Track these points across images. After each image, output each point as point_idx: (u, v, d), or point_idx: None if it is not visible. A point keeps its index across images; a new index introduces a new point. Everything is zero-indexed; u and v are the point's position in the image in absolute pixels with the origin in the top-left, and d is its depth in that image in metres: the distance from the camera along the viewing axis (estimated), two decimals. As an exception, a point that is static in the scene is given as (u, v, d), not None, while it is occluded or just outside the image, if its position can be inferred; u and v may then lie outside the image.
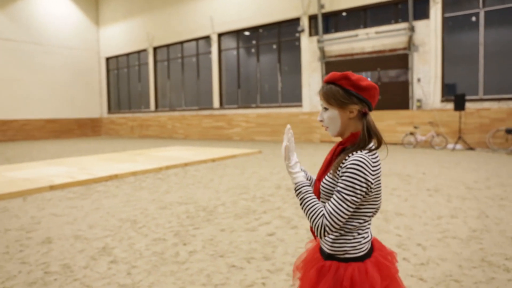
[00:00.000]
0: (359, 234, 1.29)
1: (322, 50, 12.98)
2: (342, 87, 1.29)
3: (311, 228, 1.29)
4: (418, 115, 11.35)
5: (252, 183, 6.05)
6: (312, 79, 13.49)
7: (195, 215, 4.28)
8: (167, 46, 18.43)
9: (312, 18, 13.48)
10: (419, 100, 11.40)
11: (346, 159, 1.25)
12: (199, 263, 2.89)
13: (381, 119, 11.97)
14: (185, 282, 2.57)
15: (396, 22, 11.88)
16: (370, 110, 1.31)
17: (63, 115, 19.92)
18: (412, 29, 11.23)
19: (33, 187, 5.68)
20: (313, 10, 13.16)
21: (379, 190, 1.28)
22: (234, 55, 16.13)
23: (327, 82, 1.33)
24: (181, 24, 17.44)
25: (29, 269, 2.87)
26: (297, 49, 13.97)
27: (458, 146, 10.27)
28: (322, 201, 1.32)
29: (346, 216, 1.21)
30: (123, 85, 21.10)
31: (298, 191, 1.29)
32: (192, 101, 17.73)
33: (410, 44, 11.38)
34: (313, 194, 1.27)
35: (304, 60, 13.65)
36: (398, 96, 11.91)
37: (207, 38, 16.71)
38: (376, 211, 1.32)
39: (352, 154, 1.24)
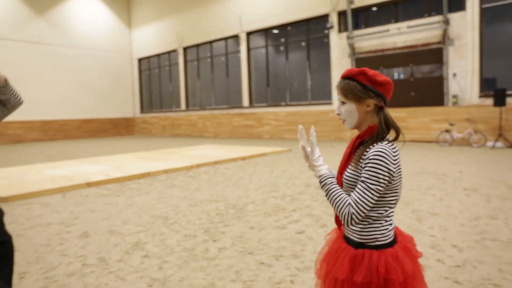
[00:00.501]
0: (386, 221, 1.33)
1: (352, 46, 12.75)
2: (359, 82, 1.35)
3: (336, 218, 1.37)
4: (454, 112, 10.92)
5: (282, 181, 6.05)
6: (342, 76, 13.29)
7: (225, 212, 4.34)
8: (197, 46, 18.70)
9: (341, 14, 13.26)
10: (455, 96, 10.97)
11: (367, 151, 1.31)
12: (228, 259, 2.93)
13: (414, 116, 11.62)
14: (214, 277, 2.62)
15: (429, 15, 11.47)
16: (385, 104, 1.38)
17: (99, 115, 20.67)
18: (446, 22, 10.81)
19: (71, 184, 5.94)
20: (342, 6, 12.94)
21: (400, 179, 1.34)
22: (263, 53, 16.15)
23: (345, 78, 1.39)
24: (210, 24, 17.65)
25: (69, 261, 3.02)
26: (326, 46, 13.80)
27: (499, 143, 9.80)
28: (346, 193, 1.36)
29: (371, 205, 1.27)
30: (154, 85, 21.62)
31: (323, 183, 1.34)
32: (222, 100, 17.91)
33: (445, 38, 10.97)
34: (337, 185, 1.33)
35: (333, 57, 13.46)
36: (432, 92, 11.51)
37: (235, 37, 16.81)
38: (397, 200, 1.36)
39: (373, 146, 1.30)
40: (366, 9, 12.73)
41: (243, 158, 9.03)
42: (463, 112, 10.76)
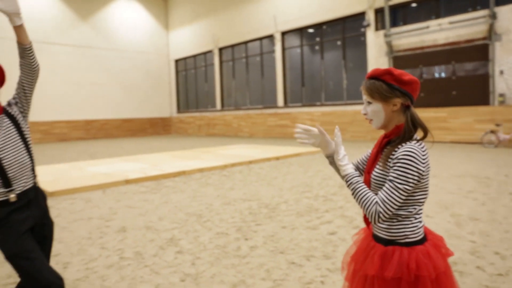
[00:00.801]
0: (415, 219, 1.34)
1: (389, 44, 12.41)
2: (385, 81, 1.35)
3: (365, 216, 1.38)
4: (501, 112, 10.35)
5: (316, 182, 6.00)
6: (379, 75, 12.95)
7: (257, 211, 4.36)
8: (232, 46, 18.91)
9: (378, 12, 12.93)
10: (501, 95, 10.39)
11: (395, 151, 1.31)
12: (259, 258, 2.95)
13: (456, 116, 11.12)
14: (245, 275, 2.65)
15: (474, 9, 10.93)
16: (412, 103, 1.37)
17: (137, 115, 21.41)
18: (493, 16, 10.26)
19: (111, 181, 6.20)
20: (379, 3, 12.62)
21: (428, 179, 1.34)
22: (297, 53, 16.06)
23: (370, 77, 1.39)
24: (245, 24, 17.79)
25: (107, 253, 3.16)
26: (363, 44, 13.51)
27: (549, 145, 9.19)
28: (373, 192, 1.37)
29: (398, 204, 1.27)
30: (191, 86, 22.09)
31: (349, 182, 1.34)
32: (257, 100, 17.99)
33: (491, 33, 10.41)
34: (364, 184, 1.33)
35: (370, 55, 13.16)
36: (476, 91, 10.96)
37: (270, 37, 16.84)
38: (426, 198, 1.36)
39: (401, 146, 1.31)
40: (405, 5, 12.34)
41: (277, 158, 9.03)
42: (510, 112, 10.17)
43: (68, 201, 5.17)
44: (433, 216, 3.89)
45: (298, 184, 5.86)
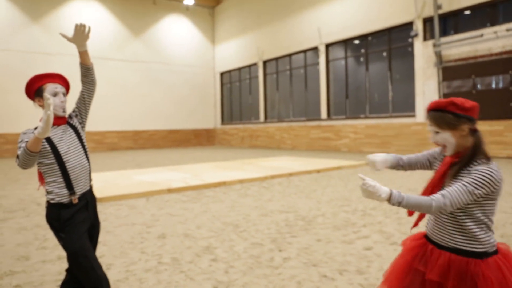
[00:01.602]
0: (482, 229, 1.42)
1: (438, 54, 11.94)
2: (451, 112, 1.50)
3: (420, 215, 1.60)
4: None
5: (355, 196, 5.87)
6: (426, 86, 12.48)
7: (293, 223, 4.36)
8: (276, 59, 19.11)
9: (427, 21, 12.52)
10: None
11: (468, 170, 1.43)
12: (292, 269, 2.95)
13: (513, 130, 10.40)
14: (276, 286, 2.66)
15: (534, 17, 10.26)
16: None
17: (183, 126, 22.16)
18: (554, 24, 9.57)
19: (154, 189, 6.47)
20: (429, 12, 12.22)
21: (498, 197, 1.44)
22: (342, 64, 15.90)
23: (434, 110, 1.55)
24: (289, 37, 17.94)
25: (147, 258, 3.31)
26: (410, 55, 13.11)
27: None
28: None
29: (461, 202, 1.36)
30: (235, 98, 22.54)
31: (401, 198, 1.40)
32: (300, 112, 17.98)
33: (552, 42, 9.70)
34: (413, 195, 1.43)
35: (417, 66, 12.73)
36: (536, 103, 10.21)
37: (315, 49, 16.83)
38: (494, 210, 1.45)
39: (474, 165, 1.43)
40: (456, 13, 11.85)
41: (318, 171, 8.95)
42: None
43: (114, 207, 5.46)
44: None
45: (337, 198, 5.77)
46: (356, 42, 15.29)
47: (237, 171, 8.77)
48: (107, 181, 7.64)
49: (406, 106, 13.36)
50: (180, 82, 22.08)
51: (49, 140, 2.01)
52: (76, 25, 2.07)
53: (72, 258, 2.01)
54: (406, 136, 12.95)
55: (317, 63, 16.70)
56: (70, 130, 2.13)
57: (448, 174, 1.48)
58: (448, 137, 1.50)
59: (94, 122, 18.65)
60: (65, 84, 2.16)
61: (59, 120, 2.09)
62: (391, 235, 3.75)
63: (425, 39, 12.58)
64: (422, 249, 1.56)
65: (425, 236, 1.63)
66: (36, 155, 1.87)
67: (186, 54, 22.38)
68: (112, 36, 19.60)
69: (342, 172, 8.68)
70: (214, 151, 17.37)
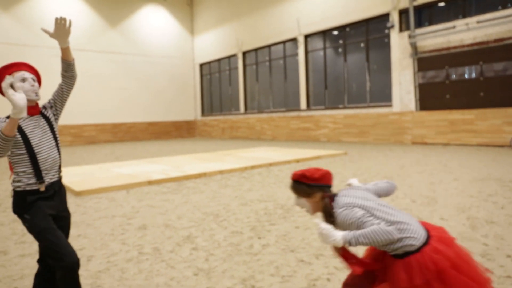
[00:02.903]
0: (406, 237, 1.55)
1: (414, 45, 12.23)
2: (304, 183, 1.73)
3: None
4: (530, 113, 9.99)
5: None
6: (403, 77, 12.78)
7: (272, 212, 4.46)
8: (255, 50, 19.11)
9: (403, 13, 12.77)
10: (531, 96, 10.03)
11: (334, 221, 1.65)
12: (270, 255, 3.05)
13: (484, 118, 10.82)
14: (255, 271, 2.76)
15: (504, 7, 10.61)
16: (330, 187, 1.76)
17: (162, 118, 21.96)
18: (522, 16, 9.94)
19: (134, 181, 6.46)
20: (404, 3, 12.46)
21: (388, 207, 1.64)
22: (321, 55, 16.06)
23: (293, 180, 1.78)
24: (268, 28, 17.94)
25: (128, 248, 3.35)
26: (387, 46, 13.37)
27: None
28: None
29: (379, 221, 1.56)
30: (215, 89, 22.45)
31: (355, 239, 1.52)
32: (280, 103, 18.09)
33: (520, 33, 10.08)
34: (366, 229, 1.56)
35: (394, 57, 13.00)
36: (506, 92, 10.62)
37: (293, 40, 16.91)
38: (398, 221, 1.59)
39: (334, 217, 1.65)
40: (431, 5, 12.14)
41: (298, 161, 9.09)
42: (541, 113, 9.81)
43: (94, 200, 5.44)
44: (447, 219, 3.87)
45: (316, 186, 5.91)
46: (335, 33, 15.45)
47: (217, 162, 8.82)
48: (86, 174, 7.57)
49: (383, 96, 13.66)
50: (159, 73, 21.80)
51: (21, 130, 2.02)
52: (56, 19, 2.06)
53: (40, 236, 2.02)
54: (383, 126, 13.26)
55: (296, 54, 16.80)
56: (43, 121, 2.12)
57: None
58: (305, 202, 1.75)
59: (72, 115, 18.25)
60: (33, 71, 2.15)
61: (32, 110, 2.09)
62: (366, 221, 3.90)
63: (401, 30, 12.84)
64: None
65: None
66: (12, 140, 1.87)
67: (165, 45, 22.07)
68: (87, 27, 19.11)
69: (321, 162, 8.85)
70: (194, 143, 17.32)
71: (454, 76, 11.66)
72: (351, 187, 1.82)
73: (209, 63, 22.54)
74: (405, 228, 1.55)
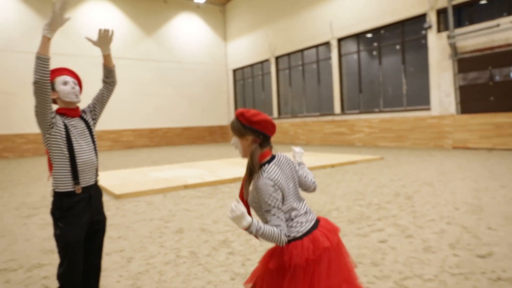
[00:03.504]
0: (292, 221, 1.64)
1: (453, 46, 11.75)
2: (240, 121, 1.69)
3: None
4: None
5: (370, 190, 5.89)
6: (442, 79, 12.31)
7: (308, 217, 4.40)
8: (288, 54, 19.08)
9: (441, 12, 12.32)
10: None
11: (253, 182, 1.65)
12: (307, 262, 3.01)
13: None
14: (292, 277, 2.72)
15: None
16: (268, 138, 1.71)
17: (197, 123, 22.37)
18: None
19: (171, 185, 6.60)
20: (442, 3, 12.02)
21: (288, 188, 1.67)
22: (354, 59, 15.79)
23: (235, 116, 1.72)
24: (301, 32, 17.88)
25: (165, 251, 3.41)
26: (424, 47, 12.94)
27: None
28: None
29: (284, 220, 1.59)
30: (248, 94, 22.61)
31: (259, 228, 1.54)
32: (314, 107, 17.93)
33: None
34: (266, 225, 1.57)
35: (432, 59, 12.55)
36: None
37: (326, 44, 16.75)
38: (291, 205, 1.66)
39: (256, 178, 1.65)
40: (471, 4, 11.64)
41: (333, 166, 8.95)
42: None
43: (132, 203, 5.61)
44: (495, 229, 3.66)
45: (351, 192, 5.80)
46: (369, 35, 15.15)
47: (251, 167, 8.83)
48: (124, 178, 7.82)
49: (421, 99, 13.21)
50: (193, 79, 22.27)
51: (66, 128, 2.07)
52: (100, 30, 2.16)
53: (64, 249, 2.05)
54: (422, 130, 12.81)
55: (330, 58, 16.62)
56: (83, 125, 2.18)
57: (244, 188, 1.69)
58: (237, 142, 1.71)
59: (111, 121, 18.98)
60: (75, 76, 2.23)
61: (73, 112, 2.15)
62: (406, 228, 3.77)
63: (439, 30, 12.39)
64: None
65: None
66: (48, 61, 1.92)
67: (198, 52, 22.54)
68: (124, 35, 19.86)
69: (356, 167, 8.67)
70: (228, 148, 17.49)
71: (498, 77, 11.09)
72: (286, 160, 1.75)
73: (242, 68, 22.75)
74: (294, 226, 1.64)
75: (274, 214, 1.56)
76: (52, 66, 2.13)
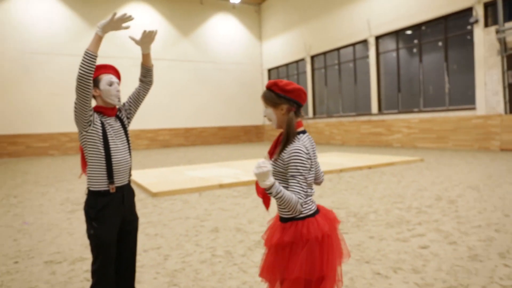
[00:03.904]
0: (307, 197, 1.69)
1: (502, 41, 11.09)
2: (274, 91, 1.72)
3: (264, 200, 1.77)
4: None
5: (409, 193, 5.67)
6: (489, 77, 11.65)
7: (345, 220, 4.31)
8: (324, 53, 18.81)
9: (489, 6, 11.66)
10: None
11: (285, 151, 1.66)
12: (344, 265, 2.93)
13: None
14: (328, 281, 2.66)
15: None
16: (300, 106, 1.74)
17: (232, 123, 22.56)
18: None
19: (206, 184, 6.68)
20: (491, -3, 11.38)
21: (315, 163, 1.75)
22: (393, 57, 15.29)
23: (266, 87, 1.76)
24: (337, 31, 17.56)
25: (201, 250, 3.44)
26: (469, 44, 12.31)
27: None
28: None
29: (305, 190, 1.63)
30: (283, 94, 22.47)
31: (280, 191, 1.56)
32: (350, 107, 17.57)
33: None
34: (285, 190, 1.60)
35: (478, 55, 11.91)
36: None
37: (364, 42, 16.34)
38: (313, 180, 1.76)
39: (289, 146, 1.66)
40: (522, -3, 10.93)
41: (370, 167, 8.72)
42: None
43: (169, 202, 5.72)
44: (550, 236, 3.40)
45: (390, 194, 5.61)
46: (408, 32, 14.63)
47: (286, 167, 8.77)
48: (161, 176, 8.01)
49: (464, 98, 12.59)
50: (229, 80, 22.48)
51: (103, 126, 2.09)
52: (145, 31, 2.21)
53: (98, 249, 2.08)
54: (465, 130, 12.20)
55: (367, 56, 16.20)
56: (118, 124, 2.20)
57: (276, 152, 1.71)
58: (271, 113, 1.74)
59: (148, 120, 19.56)
60: (118, 75, 2.27)
61: (110, 111, 2.17)
62: (450, 234, 3.58)
63: (486, 25, 11.74)
64: (273, 223, 1.82)
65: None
66: (94, 58, 1.95)
67: (234, 52, 22.72)
68: (162, 37, 20.34)
69: (394, 169, 8.39)
70: (263, 147, 17.50)
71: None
72: (311, 140, 1.77)
73: (277, 68, 22.70)
74: (307, 203, 1.68)
75: (298, 182, 1.59)
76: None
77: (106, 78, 2.15)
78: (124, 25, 2.05)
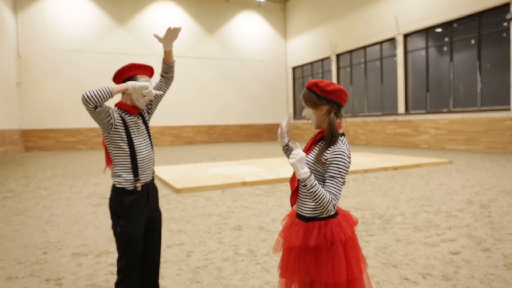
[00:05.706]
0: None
1: (540, 40, 10.57)
2: (314, 92, 1.70)
3: (292, 198, 1.74)
4: None
5: (438, 195, 5.48)
6: (524, 76, 11.12)
7: (370, 222, 4.20)
8: (350, 52, 18.50)
9: (527, 3, 11.13)
10: None
11: (328, 151, 1.64)
12: (370, 269, 2.84)
13: None
14: (354, 285, 2.58)
15: None
16: (341, 107, 1.72)
17: (255, 121, 22.54)
18: None
19: (229, 182, 6.68)
20: (528, -7, 10.86)
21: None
22: (422, 55, 14.86)
23: (306, 87, 1.73)
24: (364, 29, 17.22)
25: (224, 248, 3.43)
26: (505, 41, 11.79)
27: None
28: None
29: (341, 193, 1.59)
30: (307, 93, 22.26)
31: (315, 184, 1.52)
32: (375, 107, 17.22)
33: None
34: (320, 185, 1.55)
35: (513, 54, 11.40)
36: None
37: (391, 40, 15.96)
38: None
39: (332, 147, 1.64)
40: (562, -7, 10.38)
41: (395, 168, 8.51)
42: None
43: (192, 198, 5.75)
44: None
45: (417, 197, 5.43)
46: (438, 30, 14.17)
47: (309, 167, 8.68)
48: (184, 173, 8.07)
49: (498, 99, 12.08)
50: (253, 77, 22.47)
51: (125, 125, 2.10)
52: (169, 28, 2.21)
53: (125, 246, 2.08)
54: (498, 132, 11.72)
55: (394, 55, 15.82)
56: (141, 121, 2.20)
57: (317, 152, 1.67)
58: (311, 113, 1.72)
59: (172, 117, 19.82)
60: (151, 75, 2.27)
61: (134, 110, 2.16)
62: (483, 241, 3.42)
63: (522, 23, 11.21)
64: (290, 221, 1.80)
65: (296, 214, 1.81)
66: (108, 98, 1.96)
67: (258, 50, 22.68)
68: (187, 35, 20.54)
69: (422, 170, 8.15)
70: (285, 146, 17.36)
71: None
72: None
73: (301, 66, 22.51)
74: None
75: (336, 184, 1.57)
76: (121, 65, 2.19)
77: (142, 80, 2.14)
78: (144, 92, 2.03)
